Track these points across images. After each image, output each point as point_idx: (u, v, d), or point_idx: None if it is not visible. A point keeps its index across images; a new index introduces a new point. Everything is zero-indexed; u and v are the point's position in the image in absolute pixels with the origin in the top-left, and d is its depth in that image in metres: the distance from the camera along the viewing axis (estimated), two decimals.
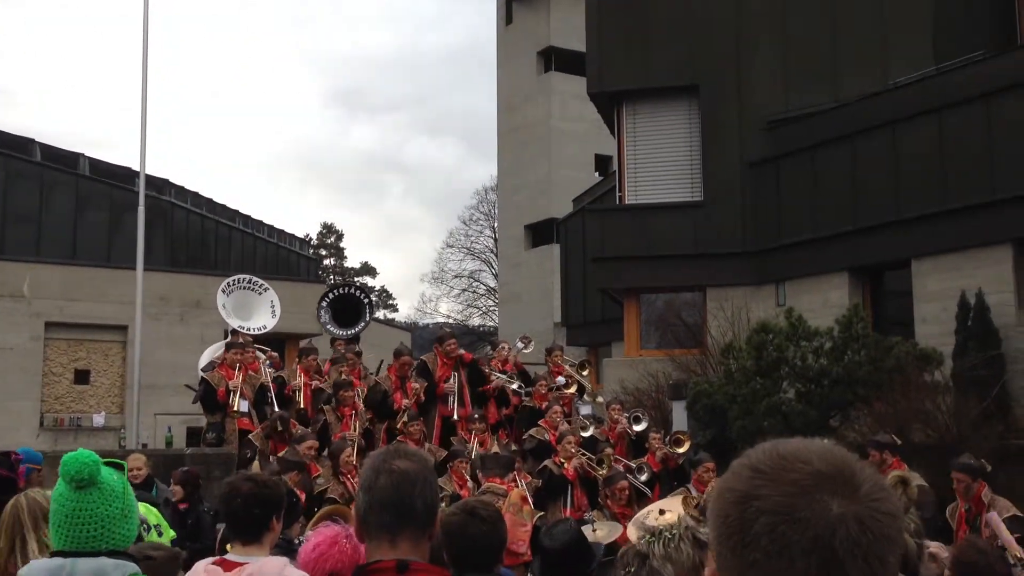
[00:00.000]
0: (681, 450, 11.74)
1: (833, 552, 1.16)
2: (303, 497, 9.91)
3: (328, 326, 14.54)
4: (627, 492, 10.11)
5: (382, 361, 14.27)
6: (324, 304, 14.62)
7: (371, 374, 13.68)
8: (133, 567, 3.13)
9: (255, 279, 15.03)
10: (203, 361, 13.91)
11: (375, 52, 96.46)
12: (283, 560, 3.64)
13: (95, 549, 3.12)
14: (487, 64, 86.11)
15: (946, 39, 18.60)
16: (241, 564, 3.60)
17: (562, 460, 11.06)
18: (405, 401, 12.51)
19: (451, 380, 12.83)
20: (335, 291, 15.09)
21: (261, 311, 14.48)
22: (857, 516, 1.18)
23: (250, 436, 12.06)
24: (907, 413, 13.08)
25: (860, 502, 1.19)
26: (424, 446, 11.48)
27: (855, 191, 17.75)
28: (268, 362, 13.20)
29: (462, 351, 13.24)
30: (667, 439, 12.02)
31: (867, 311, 16.50)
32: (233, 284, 14.58)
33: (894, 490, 1.25)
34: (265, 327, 14.23)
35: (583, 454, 11.24)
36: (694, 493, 9.45)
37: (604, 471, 10.89)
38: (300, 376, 12.88)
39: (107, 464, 3.25)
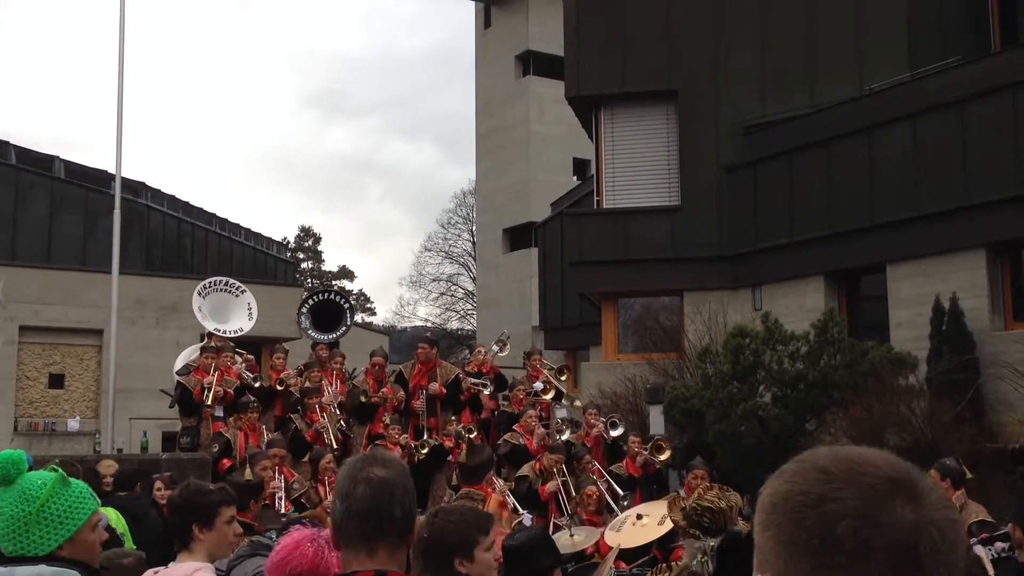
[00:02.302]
0: (662, 457, 11.71)
1: (917, 557, 1.17)
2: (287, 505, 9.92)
3: (309, 331, 14.56)
4: (594, 498, 10.11)
5: (355, 369, 14.31)
6: (304, 310, 14.65)
7: (350, 379, 13.70)
8: (72, 575, 3.07)
9: (232, 281, 14.97)
10: (178, 364, 13.88)
11: (351, 54, 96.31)
12: (193, 566, 3.68)
13: (12, 553, 3.05)
14: (464, 67, 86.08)
15: (921, 45, 18.75)
16: (166, 570, 3.66)
17: (543, 469, 11.00)
18: (381, 392, 12.56)
19: (421, 399, 12.82)
20: (315, 296, 15.12)
21: (238, 313, 14.44)
22: (935, 523, 1.19)
23: (221, 430, 12.10)
24: (882, 417, 13.16)
25: (931, 509, 1.20)
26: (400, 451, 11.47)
27: (831, 196, 17.85)
28: (244, 365, 13.19)
29: (436, 384, 13.07)
30: (648, 445, 11.97)
31: (843, 315, 16.60)
32: (210, 286, 14.53)
33: None
34: (242, 329, 14.20)
35: (563, 478, 11.10)
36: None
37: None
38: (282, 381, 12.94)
39: (60, 471, 3.17)
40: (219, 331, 13.82)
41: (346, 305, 15.21)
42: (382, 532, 2.46)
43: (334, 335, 14.59)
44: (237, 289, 14.66)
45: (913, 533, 1.18)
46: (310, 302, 14.85)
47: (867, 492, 1.19)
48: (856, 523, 1.17)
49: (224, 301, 14.52)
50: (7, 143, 28.82)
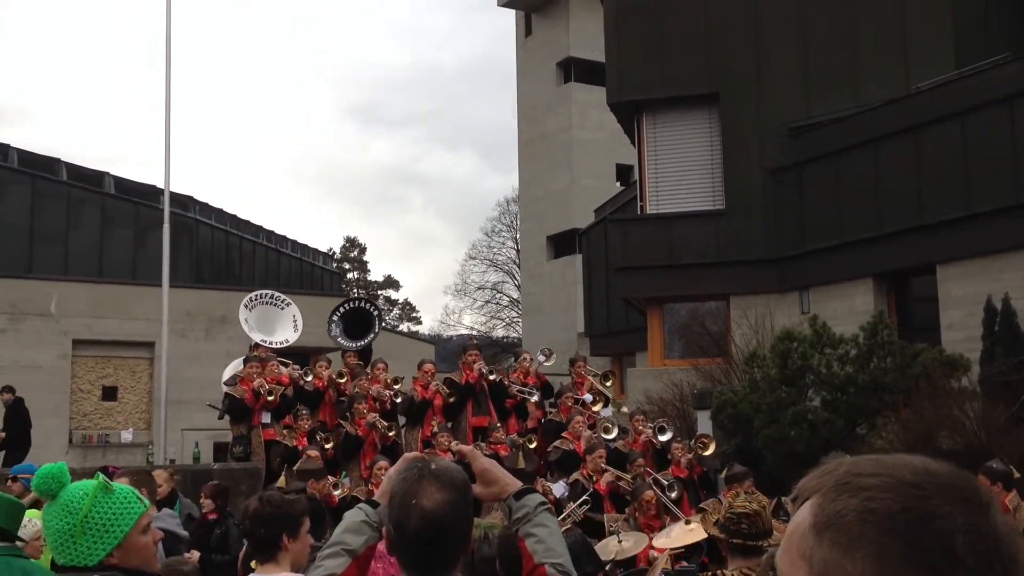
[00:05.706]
0: (707, 453, 11.73)
1: (1015, 562, 1.16)
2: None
3: (339, 339, 14.74)
4: (654, 503, 10.08)
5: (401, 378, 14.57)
6: (335, 318, 14.85)
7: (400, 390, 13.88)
8: None
9: (277, 294, 15.21)
10: (226, 375, 14.07)
11: (391, 66, 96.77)
12: None
13: (64, 564, 3.04)
14: (502, 77, 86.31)
15: (968, 42, 18.51)
16: None
17: (590, 473, 11.02)
18: (434, 384, 12.89)
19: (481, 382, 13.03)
20: (345, 305, 15.34)
21: (283, 325, 14.65)
22: (1005, 525, 1.18)
23: (277, 438, 12.35)
24: (934, 420, 12.99)
25: (997, 512, 1.19)
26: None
27: (878, 197, 17.67)
28: (294, 373, 13.42)
29: (485, 370, 13.23)
30: (693, 442, 11.98)
31: (892, 317, 16.41)
32: (256, 299, 14.75)
33: None
34: (287, 341, 14.39)
35: (610, 470, 11.20)
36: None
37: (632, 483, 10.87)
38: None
39: (102, 478, 3.18)
40: (266, 343, 14.05)
41: (375, 312, 15.41)
42: (434, 563, 2.46)
43: (364, 342, 14.78)
44: (282, 302, 14.91)
45: (1010, 540, 1.16)
46: (341, 310, 15.09)
47: (963, 505, 1.16)
48: (970, 538, 1.13)
49: (270, 314, 14.75)
50: (58, 160, 29.36)
